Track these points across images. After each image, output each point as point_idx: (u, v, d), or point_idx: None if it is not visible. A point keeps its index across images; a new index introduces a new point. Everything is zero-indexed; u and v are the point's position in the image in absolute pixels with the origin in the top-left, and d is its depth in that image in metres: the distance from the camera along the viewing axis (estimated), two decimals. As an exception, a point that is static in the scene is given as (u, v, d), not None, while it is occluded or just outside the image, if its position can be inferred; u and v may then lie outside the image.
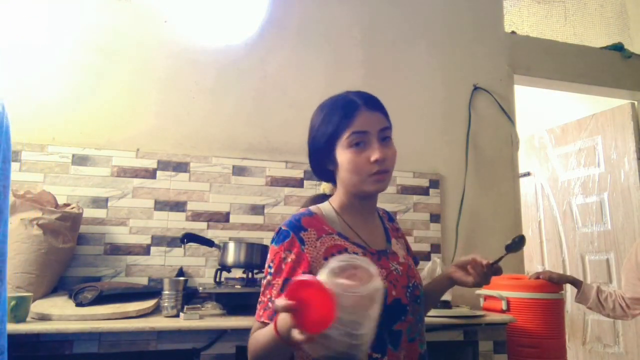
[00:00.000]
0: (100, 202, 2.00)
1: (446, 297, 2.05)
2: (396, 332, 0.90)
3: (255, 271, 1.87)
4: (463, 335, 1.80)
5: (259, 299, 0.89)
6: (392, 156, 0.96)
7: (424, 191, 2.48)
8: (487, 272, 1.07)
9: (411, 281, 0.97)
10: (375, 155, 0.91)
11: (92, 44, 2.13)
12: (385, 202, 2.37)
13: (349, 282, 0.64)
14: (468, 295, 2.34)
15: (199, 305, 1.63)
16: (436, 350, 1.81)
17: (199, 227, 2.10)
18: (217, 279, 1.83)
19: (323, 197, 1.15)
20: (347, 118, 0.94)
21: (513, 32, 2.93)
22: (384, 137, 0.95)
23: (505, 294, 2.05)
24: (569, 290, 2.13)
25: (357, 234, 0.98)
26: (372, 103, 0.96)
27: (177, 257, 2.05)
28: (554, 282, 2.03)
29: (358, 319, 0.62)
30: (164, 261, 2.04)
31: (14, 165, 1.92)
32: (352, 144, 0.93)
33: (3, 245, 0.57)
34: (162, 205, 2.08)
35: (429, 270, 2.19)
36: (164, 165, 2.11)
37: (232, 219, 2.16)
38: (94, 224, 1.98)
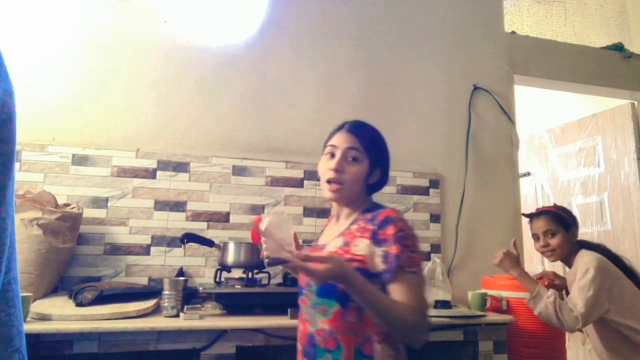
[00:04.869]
0: (100, 202, 2.00)
1: (446, 297, 2.05)
2: (298, 304, 1.20)
3: (255, 271, 1.87)
4: (463, 335, 1.80)
5: None
6: (349, 172, 1.15)
7: (424, 191, 2.48)
8: None
9: None
10: (331, 165, 1.15)
11: (92, 44, 2.13)
12: (385, 202, 2.37)
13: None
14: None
15: (199, 305, 1.63)
16: (436, 350, 1.82)
17: (199, 227, 2.10)
18: (217, 279, 1.83)
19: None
20: (331, 135, 1.22)
21: (513, 32, 2.93)
22: (351, 156, 1.16)
23: (505, 294, 2.05)
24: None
25: (324, 230, 1.32)
26: (352, 128, 1.20)
27: (177, 257, 2.05)
28: (555, 287, 2.02)
29: (266, 239, 1.02)
30: (164, 261, 2.04)
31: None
32: (326, 153, 1.20)
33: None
34: (162, 205, 2.08)
35: (428, 270, 2.19)
36: (164, 165, 2.11)
37: (232, 219, 2.16)
38: (94, 224, 1.98)
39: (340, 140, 1.18)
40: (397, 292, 1.02)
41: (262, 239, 1.07)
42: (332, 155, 1.18)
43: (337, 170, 1.14)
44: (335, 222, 1.24)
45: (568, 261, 1.89)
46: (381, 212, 1.11)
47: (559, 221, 1.89)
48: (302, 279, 1.18)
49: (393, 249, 1.04)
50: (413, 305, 1.01)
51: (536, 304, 1.76)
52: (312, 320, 1.11)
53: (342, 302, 1.06)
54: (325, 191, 1.18)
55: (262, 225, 1.07)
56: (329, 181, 1.16)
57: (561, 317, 1.68)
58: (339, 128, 1.22)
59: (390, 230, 1.06)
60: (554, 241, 1.87)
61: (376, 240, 1.07)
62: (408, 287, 1.02)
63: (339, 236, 1.16)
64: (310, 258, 0.98)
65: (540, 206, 3.57)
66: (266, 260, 1.05)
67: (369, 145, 1.18)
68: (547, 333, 1.98)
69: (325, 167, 1.17)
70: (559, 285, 2.02)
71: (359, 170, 1.16)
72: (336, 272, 0.96)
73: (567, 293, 2.00)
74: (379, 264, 1.05)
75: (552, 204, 2.08)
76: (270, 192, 2.23)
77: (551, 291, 1.75)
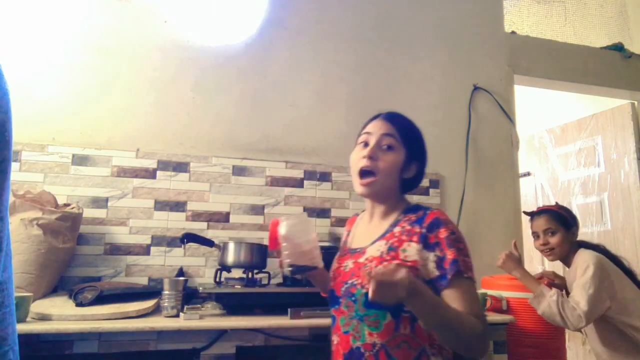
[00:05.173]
0: (100, 202, 2.00)
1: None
2: (332, 315, 1.10)
3: (255, 271, 1.87)
4: (463, 335, 1.80)
5: None
6: (384, 160, 1.05)
7: (424, 191, 2.48)
8: None
9: (352, 279, 1.03)
10: (364, 152, 1.05)
11: (92, 44, 2.13)
12: (385, 202, 2.37)
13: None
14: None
15: (199, 305, 1.62)
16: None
17: (199, 227, 2.10)
18: (217, 279, 1.83)
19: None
20: (365, 124, 1.14)
21: (513, 32, 2.93)
22: (387, 144, 1.07)
23: (505, 294, 2.05)
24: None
25: (355, 232, 1.19)
26: (389, 116, 1.12)
27: (177, 257, 2.05)
28: (555, 287, 2.02)
29: (286, 244, 0.97)
30: (164, 261, 2.04)
31: (14, 166, 1.92)
32: (359, 143, 1.11)
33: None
34: (162, 205, 2.08)
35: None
36: (164, 165, 2.11)
37: (232, 219, 2.16)
38: (94, 224, 1.98)
39: (376, 127, 1.08)
40: (454, 299, 0.93)
41: (283, 244, 0.97)
42: (366, 144, 1.07)
43: (370, 157, 1.04)
44: (369, 222, 1.13)
45: (567, 261, 1.90)
46: (428, 214, 1.02)
47: (560, 220, 1.89)
48: (339, 287, 1.07)
49: (449, 254, 0.95)
50: (475, 314, 0.92)
51: (539, 303, 1.76)
52: (356, 333, 1.00)
53: (394, 313, 0.95)
54: (356, 185, 1.07)
55: (282, 230, 0.98)
56: (361, 172, 1.05)
57: (564, 316, 1.68)
58: (375, 117, 1.13)
59: (441, 233, 0.97)
60: (553, 240, 1.87)
61: (427, 244, 0.98)
62: (466, 294, 0.94)
63: (380, 239, 1.05)
64: (380, 276, 0.82)
65: (541, 206, 3.57)
66: (289, 269, 0.96)
67: (406, 135, 1.09)
68: (547, 333, 1.98)
69: (358, 157, 1.07)
70: (559, 285, 2.02)
71: (395, 160, 1.06)
72: (411, 283, 0.84)
73: (567, 293, 2.00)
74: (433, 270, 0.96)
75: (553, 204, 2.08)
76: (270, 192, 2.23)
77: (554, 290, 1.75)
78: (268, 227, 2.16)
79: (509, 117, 2.73)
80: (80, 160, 2.01)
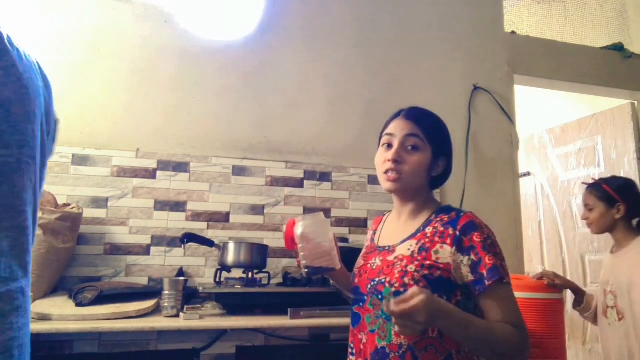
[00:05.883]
0: (100, 202, 2.01)
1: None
2: (355, 313, 1.06)
3: (255, 271, 1.87)
4: (463, 335, 1.79)
5: None
6: (409, 162, 1.04)
7: (424, 191, 2.47)
8: None
9: (380, 277, 1.01)
10: (388, 155, 1.04)
11: (92, 44, 2.13)
12: (386, 201, 2.38)
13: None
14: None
15: (199, 305, 1.62)
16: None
17: (199, 227, 2.10)
18: (217, 279, 1.83)
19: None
20: (387, 123, 1.12)
21: (513, 32, 2.93)
22: (411, 144, 1.04)
23: (506, 294, 2.04)
24: (569, 292, 2.10)
25: (382, 230, 1.17)
26: (410, 114, 1.09)
27: (177, 257, 2.05)
28: (555, 287, 2.01)
29: (303, 245, 0.98)
30: (164, 261, 2.04)
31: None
32: (383, 144, 1.09)
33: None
34: (162, 205, 2.08)
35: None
36: (164, 165, 2.11)
37: (232, 219, 2.16)
38: (94, 224, 1.98)
39: (398, 128, 1.06)
40: (493, 307, 0.93)
41: (299, 245, 0.96)
42: (389, 145, 1.05)
43: (395, 160, 1.02)
44: (397, 221, 1.12)
45: (617, 237, 1.85)
46: (462, 216, 1.00)
47: (601, 196, 1.85)
48: (364, 284, 1.05)
49: (486, 259, 0.93)
50: (514, 321, 0.91)
51: None
52: (382, 333, 0.98)
53: None
54: (382, 182, 1.06)
55: (298, 230, 0.97)
56: (386, 172, 1.04)
57: None
58: (396, 115, 1.10)
59: (476, 237, 0.96)
60: (592, 215, 1.87)
61: (461, 247, 0.95)
62: (506, 300, 0.93)
63: (411, 238, 1.03)
64: (397, 306, 0.79)
65: (541, 206, 3.56)
66: (305, 270, 0.95)
67: (431, 132, 1.06)
68: (547, 333, 1.98)
69: (382, 159, 1.06)
70: (560, 285, 2.01)
71: (421, 160, 1.04)
72: (431, 304, 0.81)
73: (574, 291, 1.99)
74: (467, 274, 0.95)
75: (610, 175, 1.98)
76: (270, 192, 2.23)
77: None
78: (268, 227, 2.19)
79: (509, 117, 2.73)
80: (80, 160, 2.01)
